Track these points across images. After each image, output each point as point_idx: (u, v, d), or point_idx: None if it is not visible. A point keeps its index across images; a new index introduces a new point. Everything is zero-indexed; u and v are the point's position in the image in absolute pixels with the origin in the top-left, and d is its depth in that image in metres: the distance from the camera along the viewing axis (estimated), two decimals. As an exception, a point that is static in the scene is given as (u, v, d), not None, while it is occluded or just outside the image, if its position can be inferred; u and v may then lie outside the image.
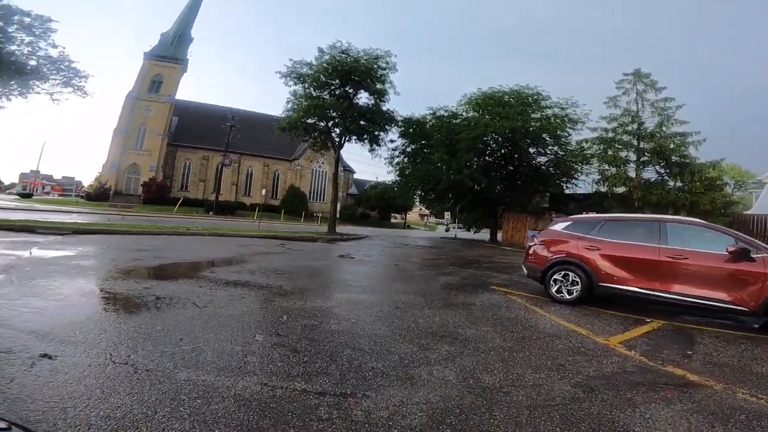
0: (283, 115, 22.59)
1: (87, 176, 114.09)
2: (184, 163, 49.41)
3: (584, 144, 22.90)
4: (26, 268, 5.64)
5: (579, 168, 25.24)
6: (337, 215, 38.79)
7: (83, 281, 5.32)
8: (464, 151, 23.70)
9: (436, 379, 2.94)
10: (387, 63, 22.00)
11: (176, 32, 48.88)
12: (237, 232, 16.81)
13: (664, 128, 18.59)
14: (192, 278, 6.17)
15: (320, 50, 21.59)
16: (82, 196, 49.12)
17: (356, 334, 3.91)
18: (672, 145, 17.90)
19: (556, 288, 6.48)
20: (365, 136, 22.99)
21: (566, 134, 25.16)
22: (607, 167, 19.81)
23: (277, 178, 53.78)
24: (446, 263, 11.90)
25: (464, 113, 27.71)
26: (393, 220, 64.12)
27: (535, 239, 7.16)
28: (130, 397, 2.18)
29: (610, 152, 19.97)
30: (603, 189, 20.91)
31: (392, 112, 23.25)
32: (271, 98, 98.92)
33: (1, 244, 7.70)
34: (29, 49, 15.70)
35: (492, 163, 27.56)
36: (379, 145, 23.46)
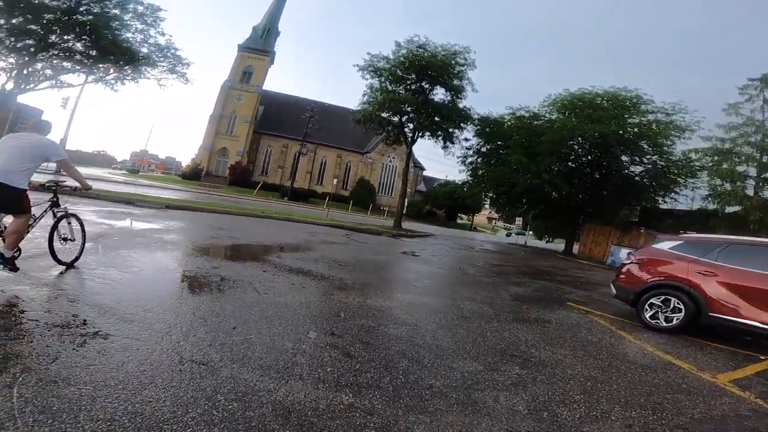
0: (358, 108, 22.86)
1: (186, 157, 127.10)
2: (266, 149, 52.54)
3: (693, 155, 19.94)
4: (115, 237, 6.11)
5: (682, 181, 22.20)
6: (404, 211, 38.75)
7: (161, 255, 5.60)
8: (545, 155, 22.08)
9: (504, 408, 2.51)
10: (465, 59, 21.21)
11: (265, 26, 52.00)
12: (306, 218, 17.30)
13: None
14: (258, 261, 6.26)
15: (397, 44, 21.44)
16: (179, 175, 54.57)
17: (416, 343, 3.56)
18: None
19: (651, 313, 5.56)
20: (439, 132, 22.41)
21: (669, 143, 22.23)
22: (719, 182, 17.04)
23: (349, 169, 55.03)
24: (516, 272, 11.07)
25: (547, 115, 25.84)
26: (459, 221, 62.54)
27: (632, 257, 6.21)
28: (165, 392, 2.04)
29: (725, 165, 17.16)
30: (712, 206, 18.03)
31: (468, 109, 22.39)
32: (346, 91, 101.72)
33: (101, 214, 8.54)
34: (141, 36, 17.46)
35: (576, 169, 25.40)
36: (453, 142, 22.75)
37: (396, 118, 23.39)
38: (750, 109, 17.43)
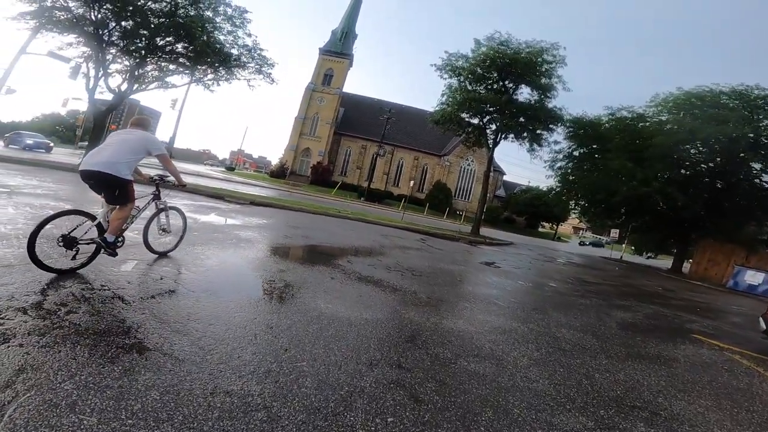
0: (436, 108, 22.07)
1: (275, 156, 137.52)
2: (346, 150, 54.06)
3: None
4: (195, 232, 6.19)
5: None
6: (482, 217, 37.07)
7: (232, 254, 5.50)
8: (655, 160, 19.31)
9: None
10: (554, 56, 19.32)
11: (343, 29, 53.47)
12: (381, 220, 17.04)
13: None
14: (328, 266, 5.92)
15: (477, 42, 20.25)
16: (267, 173, 58.57)
17: (502, 386, 2.82)
18: None
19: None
20: (525, 134, 20.74)
21: None
22: None
23: (425, 171, 54.37)
24: (617, 292, 9.50)
25: (655, 116, 22.60)
26: (541, 229, 58.40)
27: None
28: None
29: None
30: None
31: (559, 109, 20.37)
32: (424, 93, 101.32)
33: (191, 207, 8.96)
34: (231, 38, 18.60)
35: (691, 177, 21.88)
36: (540, 145, 20.91)
37: (476, 120, 22.21)
38: None
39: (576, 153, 24.43)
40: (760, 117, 18.77)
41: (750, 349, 5.23)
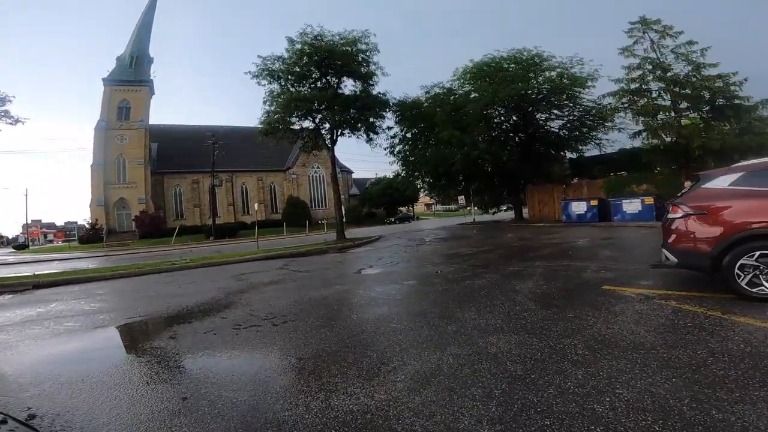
0: (262, 118, 19.88)
1: (84, 218, 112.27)
2: (174, 190, 46.98)
3: (603, 100, 19.82)
4: None
5: (602, 126, 22.49)
6: (344, 219, 36.32)
7: None
8: (473, 126, 21.03)
9: None
10: (367, 44, 19.37)
11: (132, 54, 46.04)
12: (233, 257, 14.23)
13: (699, 72, 15.62)
14: (132, 360, 3.54)
15: (290, 40, 18.93)
16: (77, 240, 46.79)
17: None
18: (718, 86, 14.90)
19: (748, 278, 3.83)
20: (359, 126, 20.27)
21: (577, 92, 22.38)
22: (648, 118, 16.78)
23: (274, 190, 51.28)
24: (496, 258, 9.22)
25: (460, 88, 24.93)
26: (400, 214, 61.50)
27: (680, 209, 4.44)
28: None
29: (642, 102, 16.98)
30: (647, 142, 17.82)
31: (384, 94, 20.53)
32: (253, 109, 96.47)
33: None
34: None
35: (502, 134, 24.84)
36: (376, 133, 20.74)
37: (309, 122, 20.89)
38: (643, 49, 17.49)
39: (409, 135, 25.36)
40: (531, 75, 22.13)
41: (669, 288, 4.84)
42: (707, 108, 15.82)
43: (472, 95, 23.10)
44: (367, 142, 21.02)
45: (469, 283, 6.25)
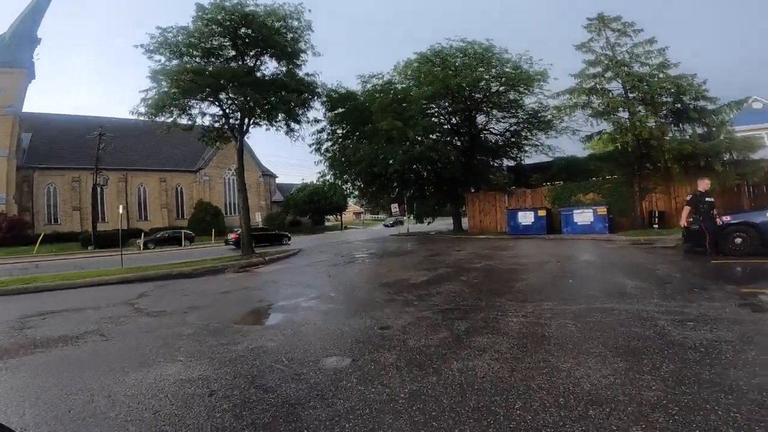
0: (148, 100, 15.06)
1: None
2: (48, 189, 38.17)
3: (557, 98, 18.21)
4: None
5: (549, 129, 21.14)
6: (261, 225, 31.58)
7: None
8: (418, 117, 18.39)
9: None
10: (299, 21, 15.79)
11: (14, 33, 37.18)
12: (80, 278, 9.58)
13: (662, 71, 14.56)
14: None
15: (200, 6, 14.66)
16: None
17: None
18: (683, 84, 13.80)
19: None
20: (276, 112, 16.37)
21: (524, 92, 20.80)
22: (603, 119, 15.29)
23: (181, 193, 44.32)
24: (468, 291, 6.08)
25: (399, 84, 22.21)
26: (327, 223, 57.41)
27: None
28: None
29: (598, 102, 15.53)
30: (599, 148, 16.40)
31: (312, 75, 16.98)
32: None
33: None
34: None
35: (442, 136, 22.54)
36: (298, 122, 17.00)
37: (217, 108, 16.56)
38: (600, 46, 16.27)
39: (340, 131, 22.03)
40: (482, 69, 19.97)
41: None
42: (667, 110, 14.57)
43: (413, 92, 20.44)
44: (286, 133, 17.20)
45: (460, 368, 2.98)
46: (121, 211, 12.60)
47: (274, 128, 17.36)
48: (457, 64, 20.15)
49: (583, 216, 15.96)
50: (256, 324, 5.09)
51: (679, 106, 13.84)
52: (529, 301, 4.96)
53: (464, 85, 18.72)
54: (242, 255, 14.36)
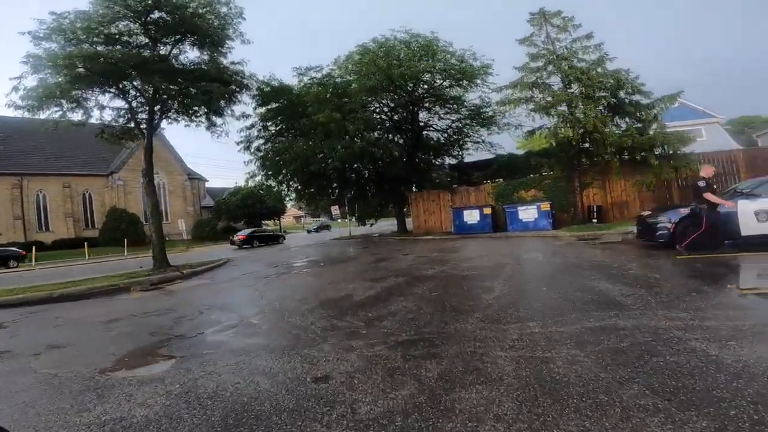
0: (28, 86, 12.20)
1: None
2: None
3: (501, 92, 17.92)
4: None
5: (491, 126, 20.97)
6: (185, 233, 28.45)
7: None
8: (359, 111, 17.15)
9: None
10: (228, 7, 13.81)
11: None
12: None
13: (600, 67, 14.76)
14: None
15: None
16: None
17: None
18: (621, 77, 14.01)
19: None
20: (193, 103, 14.16)
21: (466, 88, 20.44)
22: (545, 114, 15.13)
23: (90, 200, 39.02)
24: (427, 311, 4.92)
25: (340, 78, 20.79)
26: (265, 227, 54.12)
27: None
28: None
29: (540, 97, 15.39)
30: (541, 143, 16.28)
31: (238, 63, 15.03)
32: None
33: None
34: None
35: (384, 132, 21.54)
36: (220, 115, 14.94)
37: (121, 101, 14.01)
38: (542, 41, 16.24)
39: (273, 128, 20.13)
40: (421, 65, 19.21)
41: None
42: (604, 105, 14.70)
43: (353, 86, 19.14)
44: (207, 128, 15.06)
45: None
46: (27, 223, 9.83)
47: (194, 124, 15.19)
48: (401, 56, 19.23)
49: (527, 213, 15.77)
50: (133, 372, 3.50)
51: (614, 100, 14.03)
52: (508, 321, 3.92)
53: (407, 76, 17.81)
54: (155, 269, 12.10)
